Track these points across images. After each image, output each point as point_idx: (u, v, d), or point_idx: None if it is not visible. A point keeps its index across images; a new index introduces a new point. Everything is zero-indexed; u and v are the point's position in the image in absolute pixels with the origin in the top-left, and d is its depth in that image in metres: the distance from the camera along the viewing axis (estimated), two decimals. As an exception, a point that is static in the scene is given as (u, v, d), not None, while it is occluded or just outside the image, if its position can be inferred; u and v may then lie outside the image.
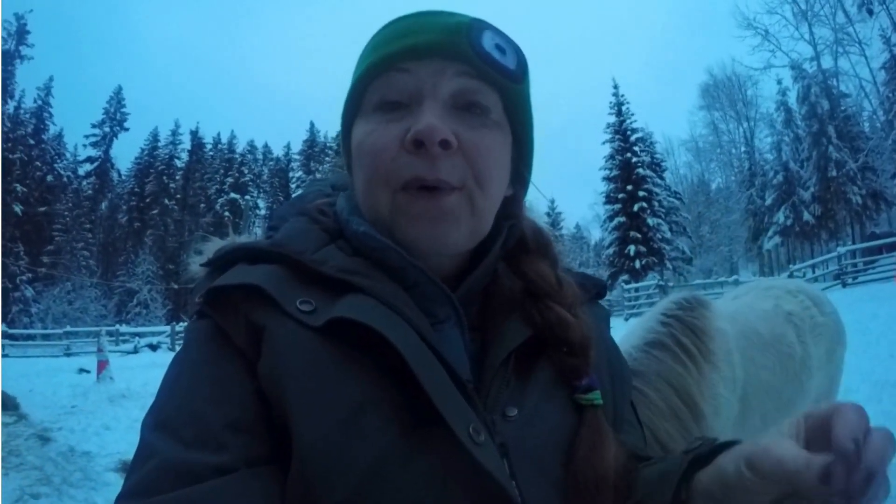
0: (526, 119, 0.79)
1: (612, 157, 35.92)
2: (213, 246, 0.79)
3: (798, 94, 33.84)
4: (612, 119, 36.72)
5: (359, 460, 0.58)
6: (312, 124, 57.09)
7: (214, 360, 0.66)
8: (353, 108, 0.77)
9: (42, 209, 43.40)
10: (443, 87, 0.71)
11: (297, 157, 57.11)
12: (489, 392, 0.68)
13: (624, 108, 36.52)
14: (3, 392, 7.91)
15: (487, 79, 0.73)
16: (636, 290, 26.21)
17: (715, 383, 1.93)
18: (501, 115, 0.75)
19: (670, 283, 26.02)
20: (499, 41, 0.73)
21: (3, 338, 24.51)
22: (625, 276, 31.90)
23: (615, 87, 36.81)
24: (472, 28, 0.72)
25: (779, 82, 36.08)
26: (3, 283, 37.86)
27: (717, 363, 1.96)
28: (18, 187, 41.65)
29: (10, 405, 7.81)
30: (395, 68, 0.72)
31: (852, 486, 0.51)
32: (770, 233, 34.34)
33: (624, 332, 2.07)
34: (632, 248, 33.02)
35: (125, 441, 6.87)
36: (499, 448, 0.63)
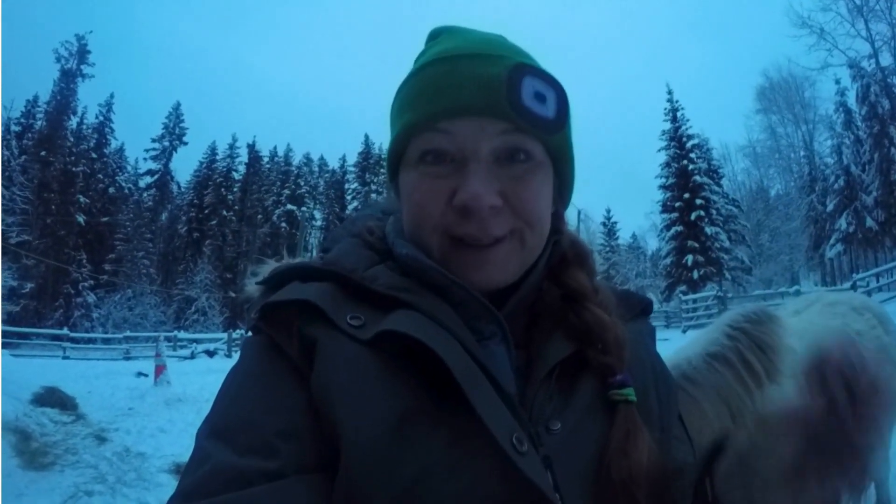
0: (567, 156, 0.80)
1: (667, 164, 35.20)
2: (268, 268, 0.81)
3: (857, 93, 32.40)
4: (668, 125, 35.98)
5: (404, 469, 0.59)
6: (367, 137, 57.57)
7: (268, 372, 0.69)
8: (397, 156, 0.79)
9: (104, 219, 45.11)
10: (484, 146, 0.72)
11: (352, 168, 57.63)
12: (533, 405, 0.69)
13: (679, 113, 35.78)
14: (62, 392, 8.20)
15: (528, 132, 0.73)
16: (694, 301, 25.48)
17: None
18: (543, 155, 0.76)
19: (729, 294, 25.22)
20: (538, 87, 0.73)
21: (65, 341, 25.46)
22: (682, 287, 31.17)
23: (669, 92, 36.18)
24: (511, 81, 0.71)
25: (837, 82, 34.51)
26: (66, 288, 39.40)
27: (784, 384, 1.82)
28: (81, 198, 43.48)
29: (70, 405, 8.11)
30: (434, 129, 0.73)
31: (854, 385, 0.53)
32: (832, 240, 32.94)
33: (684, 343, 1.97)
34: (689, 258, 32.23)
35: (179, 444, 7.04)
36: (543, 460, 0.64)
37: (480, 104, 0.71)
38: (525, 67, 0.73)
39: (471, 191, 0.69)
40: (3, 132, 39.26)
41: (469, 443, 0.61)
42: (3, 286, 29.60)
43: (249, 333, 0.76)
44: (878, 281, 21.58)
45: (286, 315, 0.70)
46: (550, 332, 0.76)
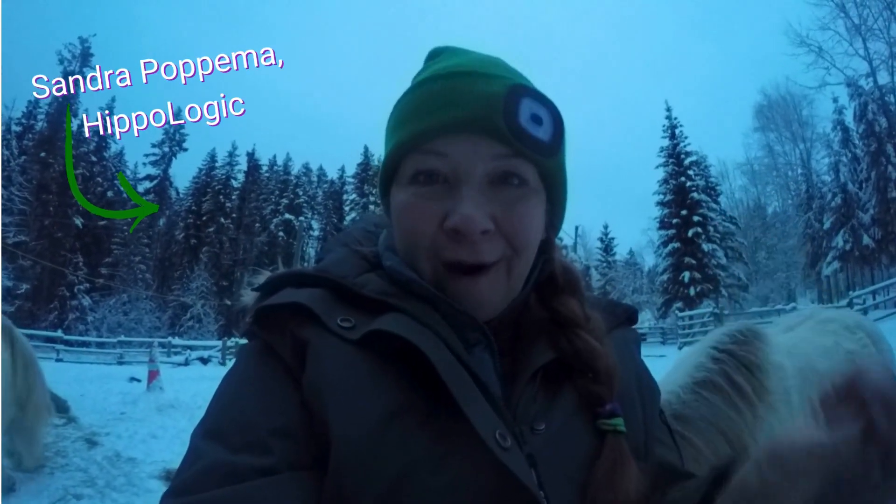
0: (561, 182, 0.79)
1: (665, 181, 35.42)
2: (263, 278, 0.83)
3: (855, 112, 32.68)
4: (666, 142, 36.19)
5: (390, 465, 0.60)
6: (366, 148, 57.14)
7: (262, 373, 0.70)
8: (389, 174, 0.79)
9: (102, 223, 44.89)
10: (478, 168, 0.71)
11: (350, 179, 57.35)
12: (517, 407, 0.70)
13: (677, 130, 35.99)
14: (54, 395, 8.15)
15: (523, 155, 0.72)
16: (690, 317, 25.42)
17: (772, 427, 1.76)
18: (537, 181, 0.75)
19: (726, 311, 25.22)
20: (535, 109, 0.72)
21: (59, 343, 25.31)
22: (679, 304, 31.19)
23: (668, 109, 36.36)
24: (509, 101, 0.71)
25: (835, 100, 34.81)
26: (61, 291, 39.26)
27: (774, 404, 1.81)
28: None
29: (61, 408, 8.05)
30: (429, 151, 0.72)
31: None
32: (829, 258, 33.00)
33: (672, 364, 1.96)
34: (686, 275, 32.31)
35: (170, 450, 7.01)
36: (527, 458, 0.64)
37: (477, 122, 0.70)
38: (523, 89, 0.72)
39: (463, 213, 0.69)
40: (3, 132, 39.16)
41: (455, 439, 0.62)
42: (-2, 287, 29.49)
43: (245, 340, 0.77)
44: (874, 298, 21.62)
45: (279, 318, 0.71)
46: (535, 339, 0.77)
